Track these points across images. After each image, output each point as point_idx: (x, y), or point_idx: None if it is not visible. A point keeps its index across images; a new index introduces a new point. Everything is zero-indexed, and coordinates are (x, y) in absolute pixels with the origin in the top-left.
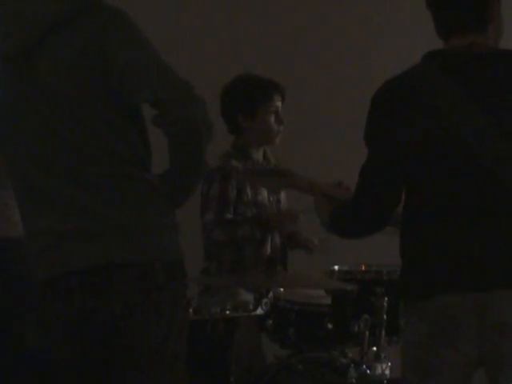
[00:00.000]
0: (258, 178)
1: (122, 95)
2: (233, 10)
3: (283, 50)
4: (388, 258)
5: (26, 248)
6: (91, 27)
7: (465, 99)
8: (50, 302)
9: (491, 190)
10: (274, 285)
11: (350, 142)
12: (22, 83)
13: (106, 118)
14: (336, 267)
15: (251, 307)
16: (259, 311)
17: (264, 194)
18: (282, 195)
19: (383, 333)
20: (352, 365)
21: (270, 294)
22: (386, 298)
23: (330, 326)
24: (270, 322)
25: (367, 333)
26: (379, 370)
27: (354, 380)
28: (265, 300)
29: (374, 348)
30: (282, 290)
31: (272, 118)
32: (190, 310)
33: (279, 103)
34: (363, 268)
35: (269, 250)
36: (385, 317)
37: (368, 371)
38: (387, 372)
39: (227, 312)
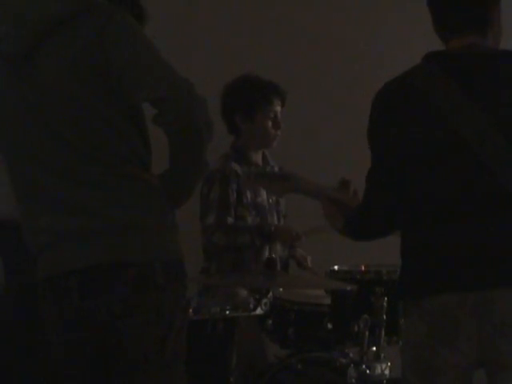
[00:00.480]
0: (262, 181)
1: (122, 94)
2: (233, 10)
3: (284, 50)
4: (387, 258)
5: None
6: (91, 27)
7: (465, 100)
8: (49, 301)
9: (491, 189)
10: (273, 285)
11: (350, 142)
12: (22, 83)
13: (106, 117)
14: (336, 267)
15: (251, 307)
16: (259, 311)
17: (263, 196)
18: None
19: (383, 333)
20: (352, 365)
21: (270, 294)
22: (386, 298)
23: (329, 325)
24: (270, 321)
25: (367, 333)
26: (379, 370)
27: (353, 380)
28: (264, 300)
29: (374, 348)
30: (281, 290)
31: (270, 123)
32: (190, 310)
33: (278, 108)
34: (363, 268)
35: (268, 253)
36: (384, 317)
37: (368, 371)
38: (387, 372)
39: (227, 312)
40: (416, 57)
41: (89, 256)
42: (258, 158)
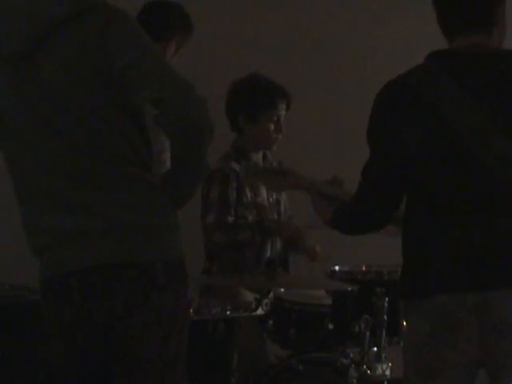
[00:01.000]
0: (261, 177)
1: (123, 95)
2: (235, 11)
3: (284, 50)
4: (388, 259)
5: None
6: (92, 27)
7: (466, 100)
8: (49, 301)
9: (492, 189)
10: (274, 285)
11: (351, 141)
12: (23, 84)
13: (107, 117)
14: (337, 267)
15: (253, 307)
16: (260, 311)
17: (263, 195)
18: (283, 196)
19: (384, 333)
20: (353, 365)
21: (271, 295)
22: (387, 299)
23: (330, 326)
24: (271, 322)
25: (368, 333)
26: (380, 371)
27: (354, 380)
28: (265, 300)
29: (375, 348)
30: (282, 290)
31: (272, 126)
32: (191, 311)
33: (283, 112)
34: (364, 268)
35: (269, 251)
36: (385, 317)
37: (368, 371)
38: (388, 372)
39: (228, 312)
40: (418, 56)
41: (90, 256)
42: (258, 157)
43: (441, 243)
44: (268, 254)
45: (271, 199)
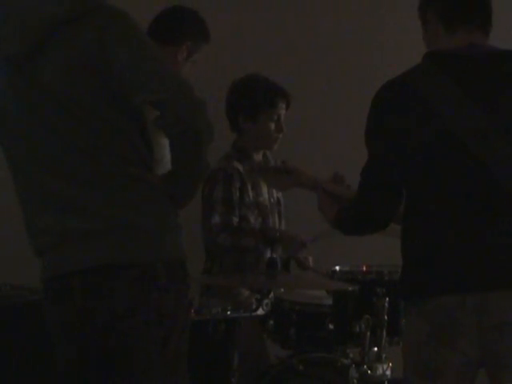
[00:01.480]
0: (264, 175)
1: (122, 96)
2: (235, 11)
3: (284, 50)
4: (389, 259)
5: None
6: (92, 28)
7: (464, 100)
8: (51, 301)
9: (491, 190)
10: (275, 285)
11: (350, 141)
12: (24, 85)
13: (108, 118)
14: (337, 267)
15: (253, 307)
16: (260, 312)
17: (265, 195)
18: (280, 196)
19: (384, 333)
20: (353, 365)
21: (271, 295)
22: (387, 299)
23: (331, 326)
24: (271, 322)
25: (368, 333)
26: (380, 371)
27: (355, 380)
28: (266, 300)
29: (375, 348)
30: (282, 290)
31: (272, 125)
32: (192, 311)
33: (283, 111)
34: (364, 268)
35: (270, 252)
36: (386, 317)
37: (369, 372)
38: (388, 372)
39: (228, 312)
40: (417, 56)
41: (90, 257)
42: (259, 157)
43: (440, 244)
44: (269, 255)
45: (272, 199)
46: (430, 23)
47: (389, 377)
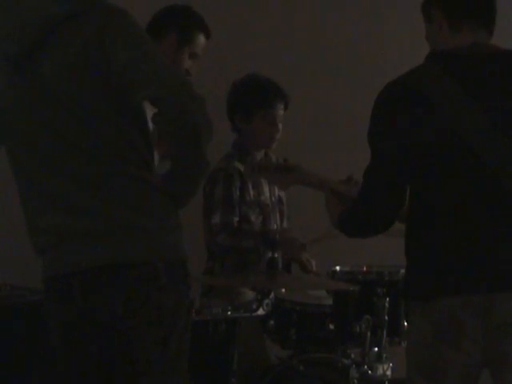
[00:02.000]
0: (265, 173)
1: (122, 94)
2: (235, 11)
3: (285, 50)
4: (389, 259)
5: None
6: (91, 27)
7: (467, 100)
8: (51, 301)
9: (494, 191)
10: (275, 285)
11: (351, 142)
12: (24, 84)
13: (108, 117)
14: (338, 268)
15: (253, 308)
16: (261, 312)
17: (266, 193)
18: (282, 194)
19: (385, 333)
20: (353, 365)
21: (272, 295)
22: (388, 299)
23: (331, 326)
24: (272, 322)
25: (369, 333)
26: (381, 371)
27: (355, 380)
28: (266, 301)
29: (376, 348)
30: (283, 290)
31: (266, 126)
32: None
33: (281, 112)
34: (365, 269)
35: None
36: (386, 317)
37: (369, 372)
38: (389, 372)
39: (229, 313)
40: (419, 57)
41: (91, 257)
42: (260, 156)
43: (444, 245)
44: (269, 255)
45: (273, 198)
46: (433, 20)
47: (389, 377)
